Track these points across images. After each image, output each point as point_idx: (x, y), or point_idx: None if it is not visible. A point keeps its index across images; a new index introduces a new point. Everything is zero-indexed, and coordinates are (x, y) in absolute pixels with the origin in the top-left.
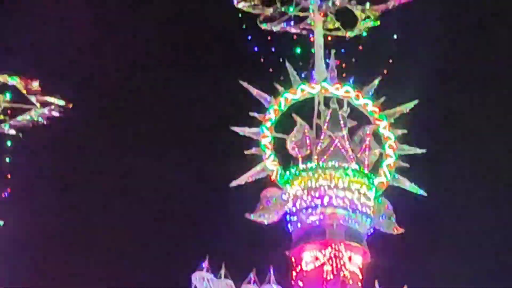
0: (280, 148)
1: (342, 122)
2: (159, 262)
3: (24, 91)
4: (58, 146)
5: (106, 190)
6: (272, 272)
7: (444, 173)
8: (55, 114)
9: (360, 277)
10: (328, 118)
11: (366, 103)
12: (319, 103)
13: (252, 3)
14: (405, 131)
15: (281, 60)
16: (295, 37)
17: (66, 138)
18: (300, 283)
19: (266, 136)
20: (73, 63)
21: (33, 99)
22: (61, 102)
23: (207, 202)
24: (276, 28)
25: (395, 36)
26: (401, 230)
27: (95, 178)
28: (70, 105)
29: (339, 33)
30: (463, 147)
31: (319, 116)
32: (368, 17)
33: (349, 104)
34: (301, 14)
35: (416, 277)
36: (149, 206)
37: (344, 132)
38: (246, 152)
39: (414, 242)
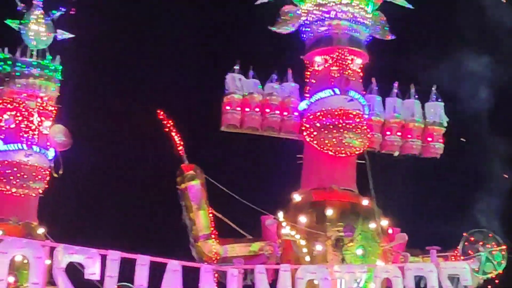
0: None
1: None
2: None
3: None
4: None
5: None
6: (290, 73)
7: None
8: None
9: (361, 74)
10: None
11: None
12: None
13: None
14: None
15: None
16: None
17: None
18: (313, 81)
19: None
20: None
21: None
22: None
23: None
24: None
25: None
26: (392, 37)
27: None
28: None
29: None
30: None
31: None
32: None
33: None
34: None
35: (407, 72)
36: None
37: None
38: None
39: (404, 42)
